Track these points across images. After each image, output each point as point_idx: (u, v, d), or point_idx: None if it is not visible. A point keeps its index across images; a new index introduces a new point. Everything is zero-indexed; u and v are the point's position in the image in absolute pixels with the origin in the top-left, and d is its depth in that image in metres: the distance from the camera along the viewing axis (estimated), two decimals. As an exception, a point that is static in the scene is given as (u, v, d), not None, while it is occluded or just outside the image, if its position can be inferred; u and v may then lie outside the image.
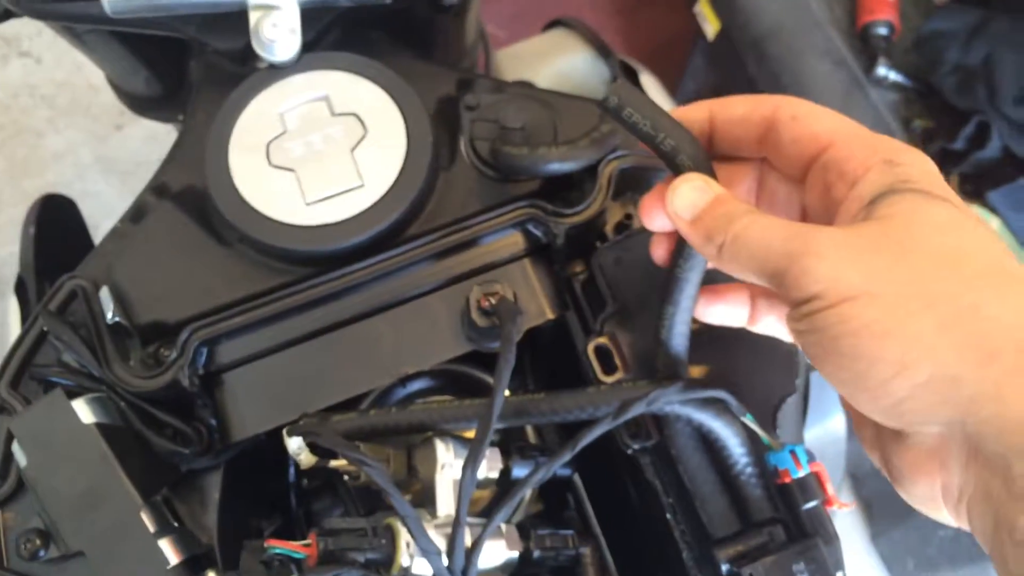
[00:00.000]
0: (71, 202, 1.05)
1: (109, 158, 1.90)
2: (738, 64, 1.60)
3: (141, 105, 0.92)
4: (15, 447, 0.54)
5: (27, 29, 2.02)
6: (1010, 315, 0.36)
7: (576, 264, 0.61)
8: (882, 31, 1.49)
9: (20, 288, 0.91)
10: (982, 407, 0.35)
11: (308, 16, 0.61)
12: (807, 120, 0.44)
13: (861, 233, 0.39)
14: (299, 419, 0.54)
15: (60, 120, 1.94)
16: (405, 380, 0.64)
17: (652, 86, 0.94)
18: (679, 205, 0.44)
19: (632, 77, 0.95)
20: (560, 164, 0.56)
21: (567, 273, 0.61)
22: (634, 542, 0.62)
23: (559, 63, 0.98)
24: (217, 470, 0.58)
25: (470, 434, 0.56)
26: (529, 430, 0.68)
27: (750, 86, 1.56)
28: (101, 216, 1.13)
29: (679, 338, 0.50)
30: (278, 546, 0.45)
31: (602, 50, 0.98)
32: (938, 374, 0.35)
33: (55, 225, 0.99)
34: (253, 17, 0.59)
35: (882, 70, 1.48)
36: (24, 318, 0.88)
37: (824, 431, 0.85)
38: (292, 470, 0.67)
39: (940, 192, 0.39)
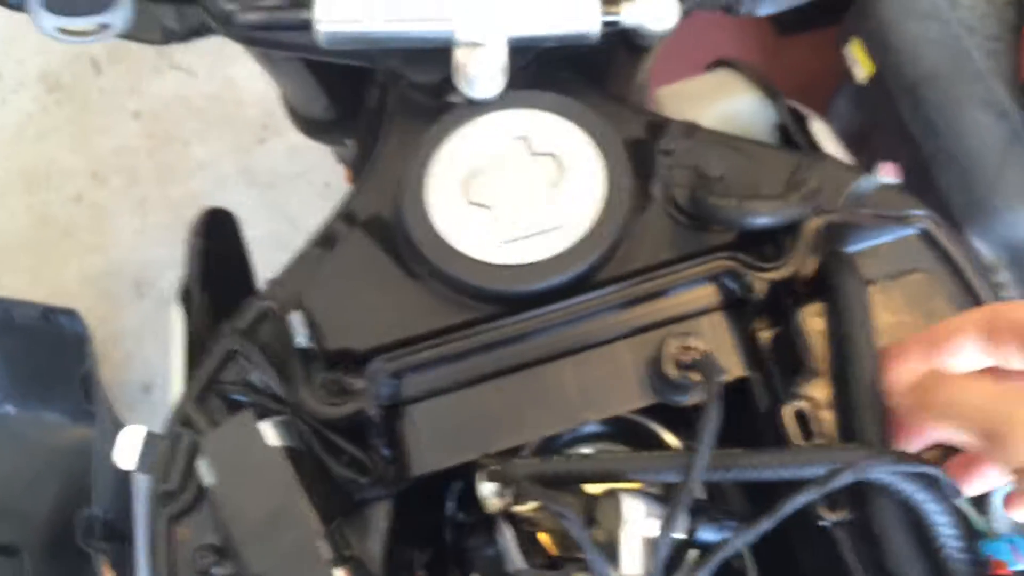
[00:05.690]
0: (231, 216, 1.09)
1: (251, 170, 1.97)
2: (888, 108, 1.55)
3: (313, 128, 0.94)
4: (202, 464, 0.55)
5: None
6: None
7: (759, 321, 0.59)
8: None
9: (186, 297, 0.94)
10: None
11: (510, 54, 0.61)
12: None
13: None
14: (480, 459, 0.54)
15: (207, 131, 2.02)
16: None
17: (822, 132, 0.91)
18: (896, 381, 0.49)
19: (800, 123, 0.92)
20: (770, 218, 0.55)
21: (752, 330, 0.58)
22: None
23: (724, 105, 0.96)
24: (384, 501, 0.58)
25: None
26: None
27: (900, 131, 1.51)
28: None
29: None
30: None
31: (770, 93, 0.95)
32: None
33: (216, 238, 1.02)
34: (460, 54, 0.59)
35: (1047, 124, 1.40)
36: (190, 328, 0.91)
37: None
38: (449, 504, 0.67)
39: None
